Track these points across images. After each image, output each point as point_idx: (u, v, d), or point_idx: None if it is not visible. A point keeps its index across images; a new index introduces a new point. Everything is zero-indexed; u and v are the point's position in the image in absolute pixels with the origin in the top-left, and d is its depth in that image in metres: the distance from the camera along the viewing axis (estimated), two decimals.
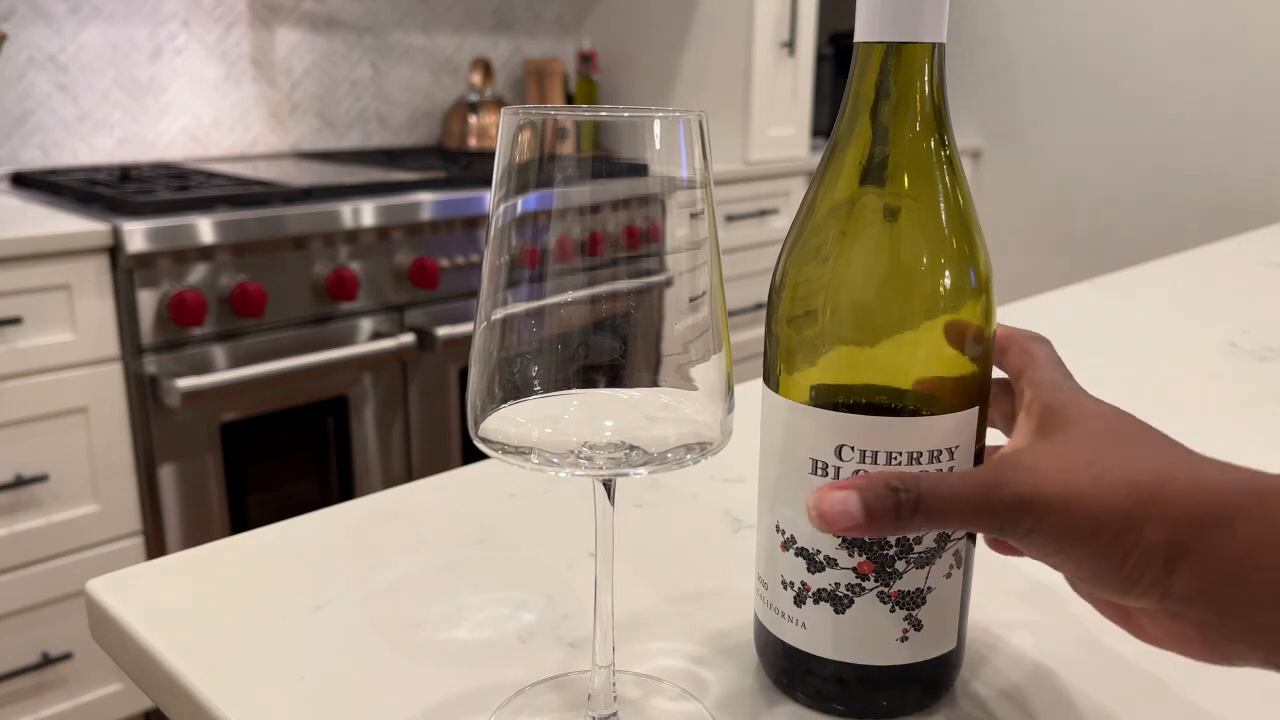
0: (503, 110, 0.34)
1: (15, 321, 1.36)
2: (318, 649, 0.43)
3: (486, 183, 1.81)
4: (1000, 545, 0.38)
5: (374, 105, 2.32)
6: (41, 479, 1.41)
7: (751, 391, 0.78)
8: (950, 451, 0.36)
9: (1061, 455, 0.33)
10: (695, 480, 0.61)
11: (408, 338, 1.71)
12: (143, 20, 1.95)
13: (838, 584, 0.37)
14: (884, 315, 0.36)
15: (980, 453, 0.38)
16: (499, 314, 0.35)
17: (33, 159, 1.87)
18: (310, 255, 1.61)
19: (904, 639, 0.38)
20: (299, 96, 2.19)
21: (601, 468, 0.35)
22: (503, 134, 0.34)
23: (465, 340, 1.77)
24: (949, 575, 0.38)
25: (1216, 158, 2.60)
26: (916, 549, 0.37)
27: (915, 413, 0.36)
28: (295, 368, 1.58)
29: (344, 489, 1.72)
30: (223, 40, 2.06)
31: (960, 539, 0.38)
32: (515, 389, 0.35)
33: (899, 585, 0.37)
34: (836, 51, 2.92)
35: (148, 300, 1.45)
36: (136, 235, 1.42)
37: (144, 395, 1.48)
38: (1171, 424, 0.70)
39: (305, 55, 2.19)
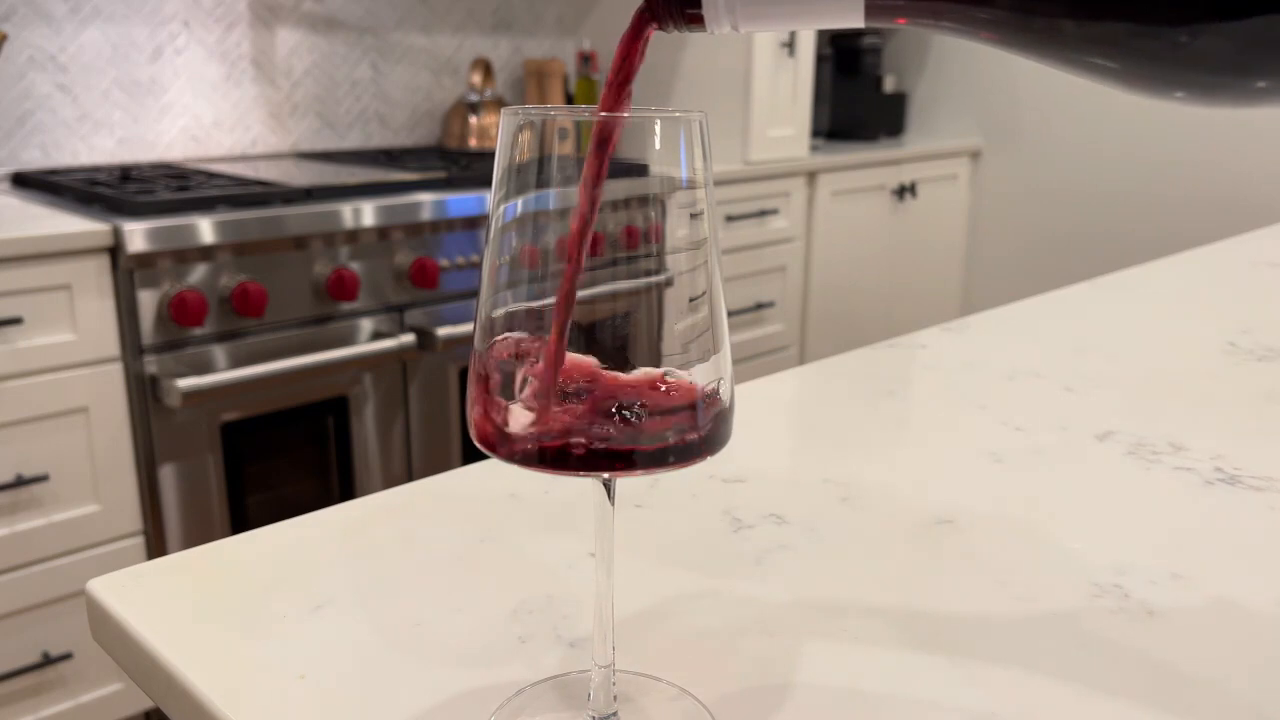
0: (503, 110, 0.34)
1: (15, 321, 1.36)
2: (318, 649, 0.43)
3: (486, 183, 1.81)
4: None
5: (374, 105, 2.32)
6: (42, 479, 1.41)
7: (752, 391, 0.78)
8: None
9: None
10: (695, 480, 0.61)
11: (408, 338, 1.71)
12: (143, 20, 1.95)
13: None
14: None
15: None
16: (499, 314, 0.35)
17: (33, 159, 1.87)
18: (310, 255, 1.61)
19: None
20: (299, 97, 2.19)
21: None
22: (503, 134, 0.34)
23: (465, 340, 1.77)
24: None
25: (1217, 157, 2.60)
26: None
27: None
28: (295, 368, 1.58)
29: (344, 489, 1.72)
30: (223, 40, 2.07)
31: None
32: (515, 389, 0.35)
33: None
34: (836, 52, 2.92)
35: (148, 300, 1.46)
36: (137, 235, 1.42)
37: (144, 395, 1.48)
38: (1171, 424, 0.70)
39: (305, 55, 2.19)
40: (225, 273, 1.52)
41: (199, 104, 2.05)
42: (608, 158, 0.33)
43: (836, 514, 0.57)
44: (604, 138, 0.33)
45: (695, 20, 0.35)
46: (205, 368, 1.52)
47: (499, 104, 2.36)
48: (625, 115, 0.34)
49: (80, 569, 1.47)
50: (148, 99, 1.99)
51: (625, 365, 0.35)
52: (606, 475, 0.35)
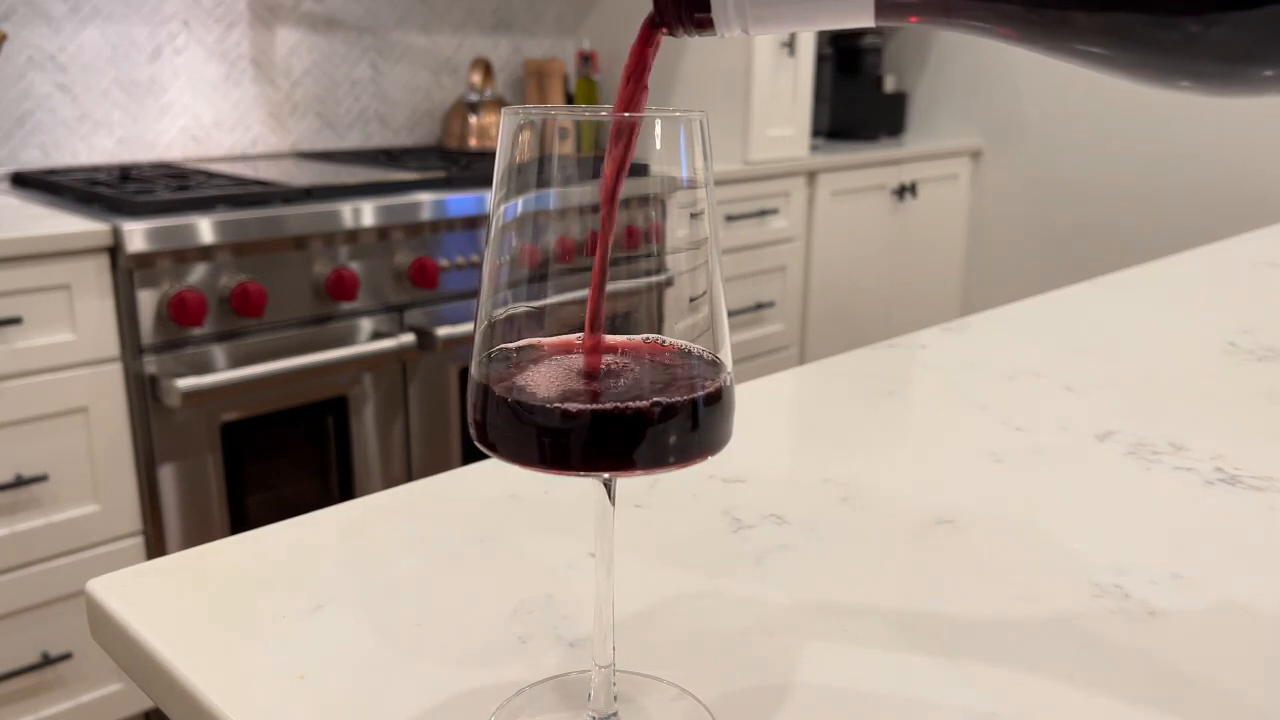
0: (503, 110, 0.34)
1: (15, 321, 1.36)
2: (318, 649, 0.43)
3: (486, 183, 1.81)
4: None
5: (374, 105, 2.32)
6: (41, 479, 1.41)
7: (752, 391, 0.78)
8: None
9: None
10: (695, 480, 0.61)
11: (408, 338, 1.71)
12: (143, 20, 1.95)
13: None
14: None
15: None
16: (499, 314, 0.35)
17: (33, 159, 1.86)
18: (310, 255, 1.61)
19: None
20: (299, 96, 2.19)
21: None
22: (503, 134, 0.34)
23: (465, 340, 1.77)
24: None
25: (1217, 157, 2.60)
26: None
27: None
28: (295, 368, 1.58)
29: (344, 489, 1.72)
30: (223, 40, 2.06)
31: None
32: None
33: None
34: (836, 52, 2.92)
35: (148, 300, 1.45)
36: (136, 235, 1.42)
37: (144, 395, 1.48)
38: (1171, 424, 0.70)
39: (305, 55, 2.19)
40: (225, 273, 1.52)
41: (199, 104, 2.05)
42: (627, 162, 0.33)
43: (836, 514, 0.57)
44: (621, 144, 0.33)
45: (704, 24, 0.34)
46: (205, 368, 1.52)
47: (499, 104, 2.36)
48: (627, 115, 0.34)
49: (80, 569, 1.47)
50: (147, 99, 1.98)
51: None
52: (607, 475, 0.35)
